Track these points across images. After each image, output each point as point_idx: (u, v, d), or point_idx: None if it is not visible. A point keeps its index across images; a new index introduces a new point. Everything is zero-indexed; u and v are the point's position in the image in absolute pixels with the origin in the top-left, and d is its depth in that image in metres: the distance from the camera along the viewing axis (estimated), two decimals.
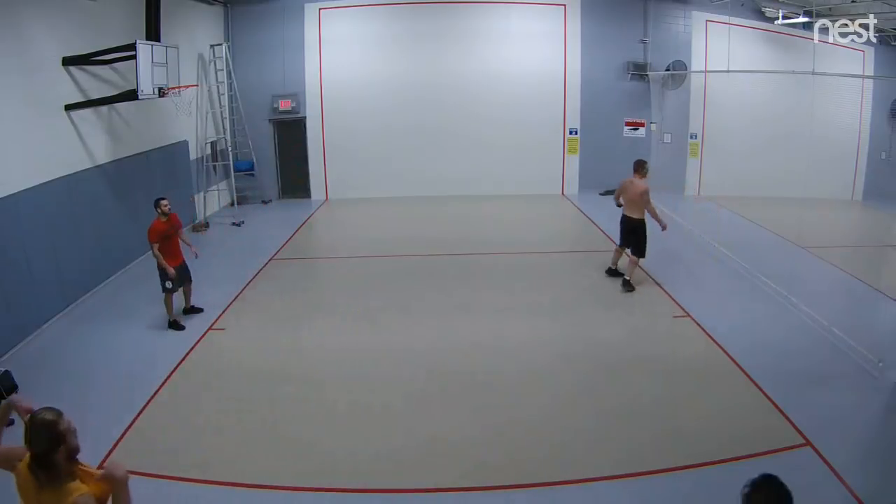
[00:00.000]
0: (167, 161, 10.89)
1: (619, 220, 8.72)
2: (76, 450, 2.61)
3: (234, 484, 4.52)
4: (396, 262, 9.77)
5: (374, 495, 4.45)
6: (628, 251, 8.61)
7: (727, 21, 13.03)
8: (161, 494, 4.45)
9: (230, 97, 13.17)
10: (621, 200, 8.64)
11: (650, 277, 8.85)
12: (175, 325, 7.25)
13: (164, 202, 7.17)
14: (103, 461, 4.72)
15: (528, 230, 11.44)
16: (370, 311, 7.65)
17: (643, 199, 8.20)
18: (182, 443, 5.04)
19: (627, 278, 8.37)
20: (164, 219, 7.14)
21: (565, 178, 14.60)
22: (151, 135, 10.31)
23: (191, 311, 7.65)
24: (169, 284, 7.22)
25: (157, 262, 7.15)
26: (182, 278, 7.43)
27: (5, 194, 6.69)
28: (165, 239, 7.13)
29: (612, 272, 8.80)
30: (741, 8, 13.43)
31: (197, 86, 11.94)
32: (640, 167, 8.39)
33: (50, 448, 2.52)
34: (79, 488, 2.52)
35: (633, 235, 8.45)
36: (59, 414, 2.58)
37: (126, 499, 2.63)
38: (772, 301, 7.96)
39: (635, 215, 8.38)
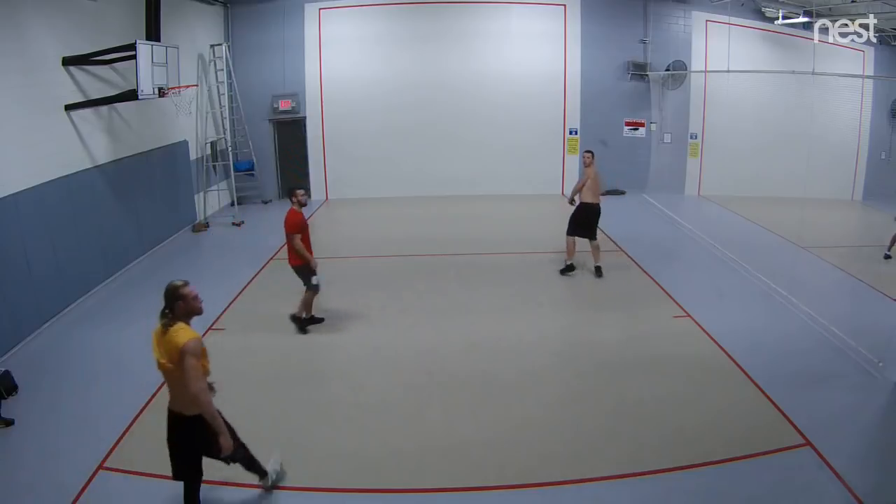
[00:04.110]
0: (167, 161, 10.89)
1: (579, 214, 8.90)
2: (195, 311, 3.76)
3: (234, 484, 4.52)
4: (396, 261, 9.77)
5: (373, 495, 4.46)
6: (579, 241, 8.94)
7: (727, 21, 13.05)
8: (161, 494, 4.44)
9: (230, 97, 13.17)
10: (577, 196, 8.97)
11: (650, 278, 8.85)
12: (313, 320, 7.05)
13: (300, 192, 6.75)
14: (103, 461, 4.73)
15: (529, 230, 11.44)
16: (370, 310, 7.65)
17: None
18: None
19: (600, 265, 8.84)
20: (299, 209, 6.71)
21: (565, 178, 14.60)
22: (151, 135, 10.30)
23: (316, 321, 7.29)
24: (315, 280, 6.84)
25: (299, 257, 6.71)
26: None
27: (5, 194, 6.69)
28: (303, 231, 6.70)
29: (570, 267, 8.92)
30: (741, 8, 13.44)
31: (197, 86, 11.93)
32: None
33: (173, 301, 3.67)
34: (186, 330, 3.64)
35: (593, 221, 8.83)
36: (185, 283, 3.73)
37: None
38: (772, 301, 7.96)
39: (596, 200, 8.75)
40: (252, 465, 4.30)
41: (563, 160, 14.43)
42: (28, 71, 7.22)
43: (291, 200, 6.78)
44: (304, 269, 6.88)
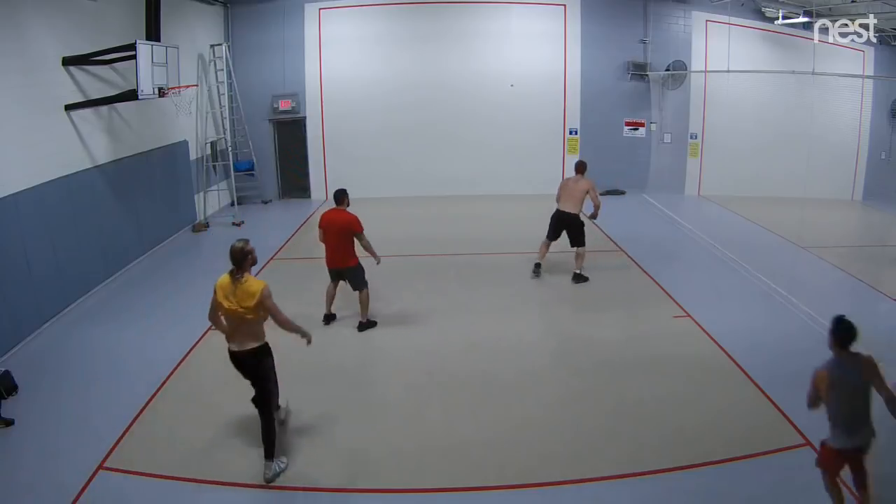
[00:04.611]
0: (167, 161, 10.89)
1: (553, 221, 8.81)
2: (256, 260, 4.56)
3: (234, 484, 4.53)
4: (396, 261, 9.74)
5: (373, 495, 4.46)
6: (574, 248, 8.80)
7: (727, 21, 13.05)
8: (161, 494, 4.46)
9: (230, 97, 13.16)
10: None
11: (650, 278, 8.85)
12: (371, 324, 7.20)
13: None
14: (103, 461, 4.74)
15: (529, 230, 11.38)
16: (370, 310, 7.64)
17: (591, 195, 8.51)
18: (182, 443, 5.04)
19: (578, 272, 8.69)
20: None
21: (565, 178, 14.58)
22: (151, 135, 10.30)
23: (333, 318, 7.39)
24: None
25: (355, 256, 6.90)
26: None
27: (5, 194, 6.68)
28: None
29: (538, 267, 8.88)
30: (741, 8, 13.44)
31: (197, 86, 11.93)
32: (583, 167, 8.80)
33: (243, 257, 4.40)
34: (255, 280, 4.47)
35: (572, 229, 8.67)
36: (247, 241, 4.48)
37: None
38: (772, 301, 7.96)
39: (573, 210, 8.59)
40: (272, 437, 4.61)
41: (563, 160, 14.42)
42: (28, 71, 7.22)
43: (342, 202, 6.90)
44: (360, 268, 7.02)
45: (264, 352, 4.64)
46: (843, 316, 4.05)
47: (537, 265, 8.88)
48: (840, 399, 3.89)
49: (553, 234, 8.82)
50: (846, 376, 3.89)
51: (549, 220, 8.84)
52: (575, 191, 8.59)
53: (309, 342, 4.84)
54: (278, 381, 4.85)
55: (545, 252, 8.87)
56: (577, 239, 8.69)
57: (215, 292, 4.49)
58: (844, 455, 3.96)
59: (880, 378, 3.90)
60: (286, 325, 4.61)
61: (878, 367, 3.93)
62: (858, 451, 3.94)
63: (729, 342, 6.68)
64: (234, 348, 4.60)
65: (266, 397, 4.66)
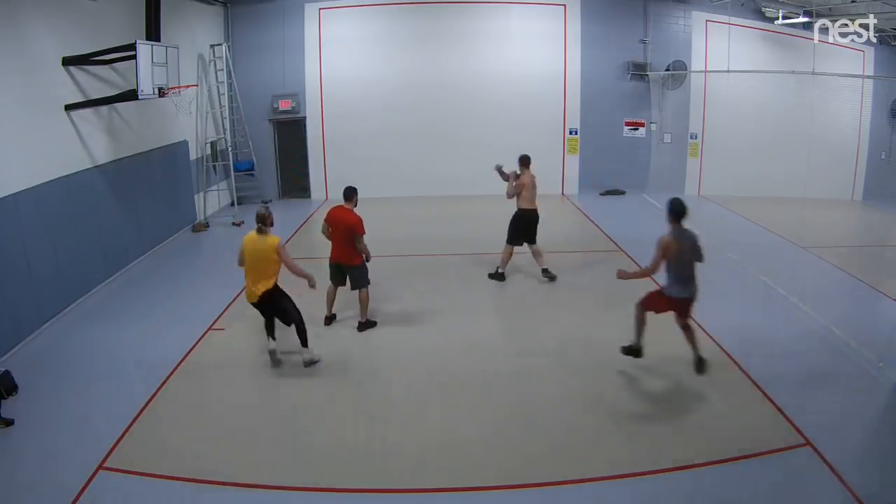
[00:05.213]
0: (167, 161, 10.89)
1: (519, 222, 8.67)
2: (273, 221, 6.05)
3: (234, 484, 4.53)
4: (396, 261, 9.76)
5: (372, 495, 4.46)
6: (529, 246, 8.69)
7: (727, 21, 13.05)
8: (160, 494, 4.46)
9: (230, 97, 13.16)
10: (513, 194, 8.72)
11: (650, 278, 8.82)
12: (371, 324, 7.21)
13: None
14: (103, 461, 4.74)
15: None
16: (369, 311, 7.65)
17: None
18: (182, 443, 5.04)
19: (546, 268, 8.62)
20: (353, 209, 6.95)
21: (565, 178, 14.59)
22: (151, 135, 10.30)
23: (334, 318, 7.43)
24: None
25: (360, 256, 6.98)
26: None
27: (5, 194, 6.68)
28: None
29: (500, 276, 8.74)
30: (741, 8, 13.44)
31: (197, 86, 11.93)
32: (529, 160, 8.90)
33: (265, 218, 5.91)
34: (273, 236, 5.98)
35: (532, 226, 8.61)
36: (267, 207, 6.01)
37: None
38: (772, 301, 7.96)
39: (533, 206, 8.57)
40: (304, 333, 6.27)
41: (563, 160, 14.43)
42: (28, 71, 7.22)
43: (350, 200, 6.98)
44: (363, 268, 7.06)
45: (277, 289, 6.06)
46: (677, 197, 5.48)
47: (502, 275, 8.74)
48: (681, 260, 5.27)
49: (519, 238, 8.62)
50: (686, 243, 5.27)
51: (546, 220, 8.76)
52: (536, 187, 8.58)
53: (312, 286, 6.12)
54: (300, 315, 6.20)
55: (510, 258, 8.74)
56: (534, 236, 8.62)
57: (244, 244, 5.98)
58: (674, 301, 5.50)
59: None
60: (295, 270, 6.06)
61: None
62: (689, 300, 5.44)
63: (729, 342, 6.68)
64: (256, 289, 5.97)
65: (288, 318, 6.16)
